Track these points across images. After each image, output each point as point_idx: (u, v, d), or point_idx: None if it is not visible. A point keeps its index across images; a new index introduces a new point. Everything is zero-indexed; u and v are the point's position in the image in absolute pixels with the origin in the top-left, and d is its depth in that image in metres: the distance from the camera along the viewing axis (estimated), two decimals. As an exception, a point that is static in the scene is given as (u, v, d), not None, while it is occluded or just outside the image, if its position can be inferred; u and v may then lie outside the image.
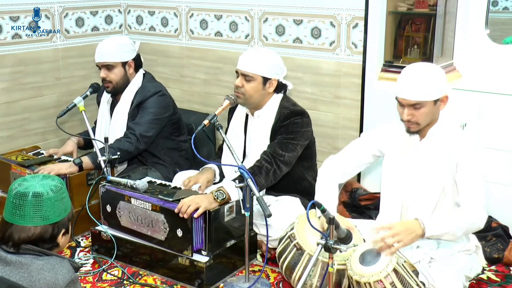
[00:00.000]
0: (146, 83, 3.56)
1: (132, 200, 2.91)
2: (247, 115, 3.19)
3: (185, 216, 2.68)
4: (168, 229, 2.80)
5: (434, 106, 2.47)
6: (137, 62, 3.58)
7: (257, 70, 2.99)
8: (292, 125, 3.02)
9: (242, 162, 3.09)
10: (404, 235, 2.32)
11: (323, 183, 2.77)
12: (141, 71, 3.61)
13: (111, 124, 3.59)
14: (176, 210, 2.71)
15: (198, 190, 2.99)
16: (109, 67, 3.46)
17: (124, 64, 3.50)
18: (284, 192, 3.14)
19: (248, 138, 3.17)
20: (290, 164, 3.02)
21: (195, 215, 2.68)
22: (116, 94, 3.57)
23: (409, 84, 2.46)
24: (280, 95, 3.11)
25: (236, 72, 3.05)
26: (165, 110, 3.54)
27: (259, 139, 3.09)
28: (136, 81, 3.55)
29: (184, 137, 3.74)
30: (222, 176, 3.23)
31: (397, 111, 2.57)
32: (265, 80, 3.01)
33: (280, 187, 3.09)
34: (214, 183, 3.20)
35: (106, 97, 3.66)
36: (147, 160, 3.56)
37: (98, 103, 3.74)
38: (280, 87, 3.10)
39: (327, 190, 2.72)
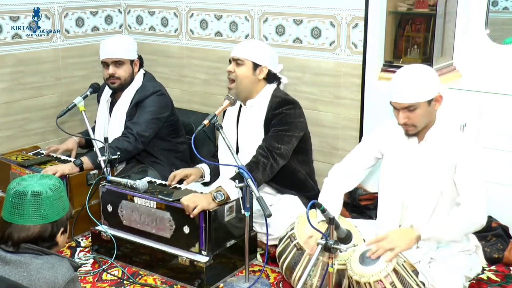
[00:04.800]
0: (146, 82, 3.57)
1: (136, 199, 2.91)
2: (240, 108, 3.20)
3: (192, 215, 2.71)
4: (174, 226, 2.81)
5: (429, 106, 2.48)
6: (141, 62, 3.60)
7: (247, 55, 3.07)
8: (284, 116, 3.04)
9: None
10: (400, 242, 2.32)
11: (328, 194, 2.76)
12: (141, 71, 3.62)
13: (110, 123, 3.59)
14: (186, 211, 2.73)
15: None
16: (119, 63, 3.47)
17: (131, 62, 3.51)
18: (279, 184, 3.15)
19: (240, 131, 3.18)
20: (286, 157, 3.04)
21: (191, 215, 2.70)
22: (119, 91, 3.57)
23: (400, 87, 2.46)
24: (273, 86, 3.15)
25: (229, 61, 3.13)
26: (164, 109, 3.53)
27: (252, 130, 3.11)
28: (137, 81, 3.56)
29: (181, 139, 3.74)
30: (217, 176, 3.23)
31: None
32: (255, 66, 3.07)
33: (275, 180, 3.10)
34: (204, 183, 3.21)
35: (105, 97, 3.66)
36: (145, 160, 3.56)
37: (99, 102, 3.74)
38: (272, 78, 3.14)
39: (330, 201, 2.71)
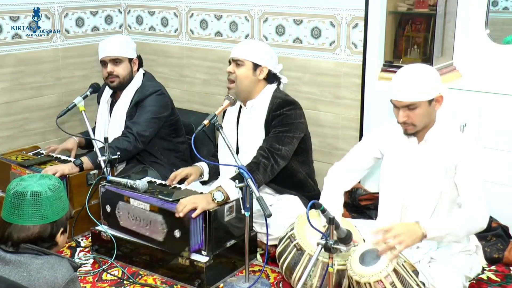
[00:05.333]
0: (145, 82, 3.57)
1: (131, 201, 2.91)
2: (240, 109, 3.20)
3: (180, 215, 2.68)
4: (166, 229, 2.80)
5: (429, 106, 2.47)
6: (140, 61, 3.61)
7: (247, 56, 3.07)
8: (285, 117, 3.04)
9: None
10: (406, 236, 2.30)
11: (329, 192, 2.76)
12: (141, 71, 3.62)
13: (110, 123, 3.59)
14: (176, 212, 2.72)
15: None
16: (116, 61, 3.47)
17: (130, 60, 3.51)
18: (279, 184, 3.15)
19: (240, 131, 3.18)
20: (287, 158, 3.03)
21: (193, 215, 2.68)
22: (119, 90, 3.57)
23: (401, 85, 2.46)
24: (273, 86, 3.15)
25: (229, 62, 3.12)
26: (163, 109, 3.53)
27: (252, 131, 3.11)
28: (137, 80, 3.56)
29: (181, 139, 3.74)
30: (216, 175, 3.23)
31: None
32: (255, 66, 3.07)
33: (275, 180, 3.10)
34: (203, 182, 3.20)
35: (105, 97, 3.66)
36: (144, 159, 3.56)
37: (99, 103, 3.74)
38: (272, 78, 3.14)
39: (332, 199, 2.71)
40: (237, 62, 3.07)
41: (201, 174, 3.21)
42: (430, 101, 2.47)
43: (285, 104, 3.06)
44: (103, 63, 3.51)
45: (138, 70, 3.60)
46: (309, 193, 3.19)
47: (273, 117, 3.05)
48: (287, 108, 3.05)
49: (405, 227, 2.36)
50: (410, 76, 2.47)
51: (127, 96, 3.53)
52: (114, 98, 3.63)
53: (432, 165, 2.54)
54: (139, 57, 3.61)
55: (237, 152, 3.14)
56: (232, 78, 3.08)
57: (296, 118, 3.07)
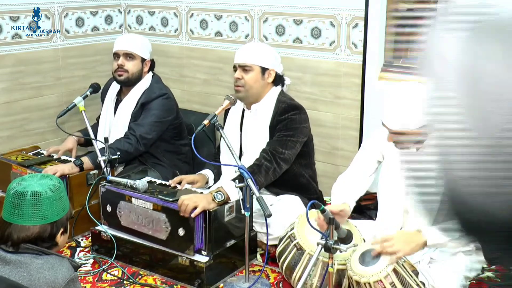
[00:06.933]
0: (153, 84, 3.57)
1: (133, 200, 2.91)
2: (243, 111, 3.19)
3: (185, 215, 2.69)
4: (169, 228, 2.80)
5: (419, 131, 2.41)
6: (152, 64, 3.62)
7: (255, 61, 3.03)
8: (290, 122, 3.03)
9: (239, 159, 3.10)
10: (404, 245, 2.30)
11: (341, 189, 2.72)
12: (150, 73, 3.62)
13: (115, 121, 3.58)
14: (178, 208, 2.72)
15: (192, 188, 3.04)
16: (129, 56, 3.49)
17: (142, 60, 3.52)
18: (281, 188, 3.14)
19: (244, 134, 3.17)
20: (289, 162, 3.03)
21: (193, 214, 2.69)
22: (124, 87, 3.57)
23: (390, 112, 2.42)
24: (278, 89, 3.13)
25: (234, 67, 3.08)
26: (168, 113, 3.53)
27: (256, 134, 3.10)
28: (145, 82, 3.57)
29: (184, 141, 3.74)
30: (218, 177, 3.23)
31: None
32: (263, 70, 3.05)
33: (277, 184, 3.09)
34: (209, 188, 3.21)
35: (111, 95, 3.65)
36: (146, 161, 3.56)
37: (103, 101, 3.74)
38: (278, 80, 3.12)
39: (344, 189, 2.70)
40: (245, 68, 3.03)
41: (207, 183, 3.20)
42: (420, 127, 2.40)
43: (291, 109, 3.05)
44: (116, 55, 3.51)
45: (148, 72, 3.60)
46: (312, 196, 3.17)
47: (278, 121, 3.04)
48: (292, 113, 3.04)
49: (404, 237, 2.36)
50: (399, 104, 2.40)
51: (134, 96, 3.53)
52: (120, 96, 3.63)
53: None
54: (152, 61, 3.62)
55: (241, 155, 3.14)
56: (240, 84, 3.03)
57: (301, 122, 3.06)
